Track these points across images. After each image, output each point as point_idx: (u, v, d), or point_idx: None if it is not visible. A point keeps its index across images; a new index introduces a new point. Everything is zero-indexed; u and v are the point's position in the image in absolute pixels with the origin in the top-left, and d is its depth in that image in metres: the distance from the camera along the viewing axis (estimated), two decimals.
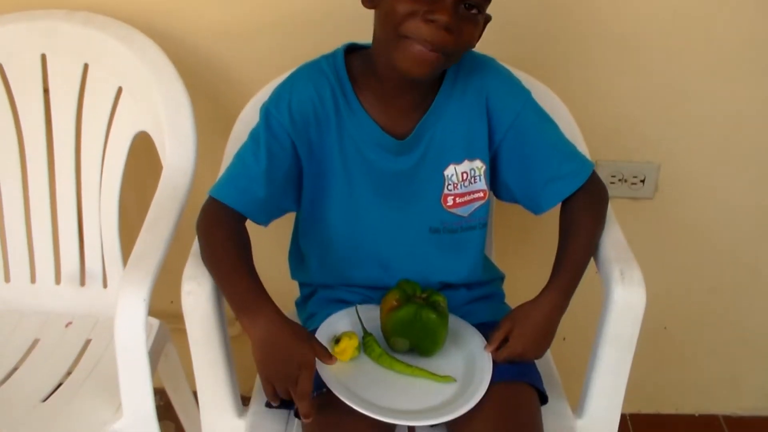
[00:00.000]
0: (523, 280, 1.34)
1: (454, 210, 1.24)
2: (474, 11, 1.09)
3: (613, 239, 1.24)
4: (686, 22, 1.51)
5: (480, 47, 1.19)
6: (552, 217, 1.26)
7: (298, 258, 1.33)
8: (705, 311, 1.82)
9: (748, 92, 1.58)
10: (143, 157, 1.45)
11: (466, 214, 1.25)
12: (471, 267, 1.28)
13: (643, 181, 1.65)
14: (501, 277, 1.38)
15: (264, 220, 1.21)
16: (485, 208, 1.26)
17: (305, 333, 1.09)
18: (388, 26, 1.09)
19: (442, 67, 1.14)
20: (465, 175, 1.23)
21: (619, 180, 1.65)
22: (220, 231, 1.15)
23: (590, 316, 1.24)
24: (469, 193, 1.24)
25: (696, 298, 1.81)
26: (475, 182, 1.23)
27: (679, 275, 1.76)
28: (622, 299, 1.17)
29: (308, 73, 1.21)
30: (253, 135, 1.20)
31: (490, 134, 1.22)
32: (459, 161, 1.22)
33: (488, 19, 1.15)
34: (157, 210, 1.31)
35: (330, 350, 1.13)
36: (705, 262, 1.76)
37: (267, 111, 1.19)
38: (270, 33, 1.52)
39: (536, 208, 1.26)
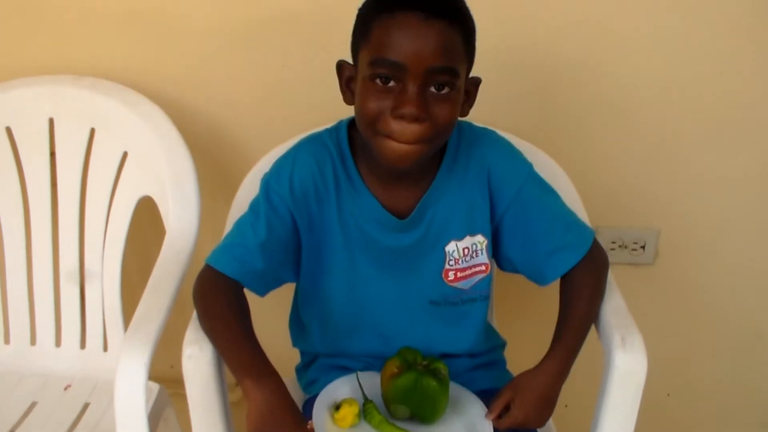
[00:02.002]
0: (525, 346, 1.33)
1: (455, 284, 1.23)
2: (445, 90, 1.06)
3: (614, 305, 1.24)
4: (683, 88, 1.53)
5: (479, 116, 1.21)
6: (553, 282, 1.26)
7: (298, 326, 1.32)
8: (708, 377, 1.81)
9: (745, 156, 1.59)
10: (147, 222, 1.46)
11: (467, 287, 1.24)
12: (472, 338, 1.27)
13: (643, 247, 1.66)
14: (502, 344, 1.37)
15: (261, 291, 1.20)
16: (487, 281, 1.25)
17: (300, 414, 1.09)
18: (363, 124, 1.10)
19: (430, 152, 1.12)
20: (466, 250, 1.22)
21: (620, 246, 1.65)
22: (219, 300, 1.15)
23: (592, 383, 1.23)
24: (470, 267, 1.23)
25: (699, 363, 1.80)
26: (476, 256, 1.23)
27: (681, 341, 1.76)
28: (624, 365, 1.16)
29: (310, 146, 1.21)
30: (253, 206, 1.20)
31: (492, 209, 1.22)
32: (460, 237, 1.21)
33: (478, 82, 1.15)
34: (160, 274, 1.31)
35: (330, 416, 1.13)
36: (707, 328, 1.76)
37: (267, 183, 1.19)
38: (274, 102, 1.54)
39: (541, 280, 1.25)
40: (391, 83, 1.06)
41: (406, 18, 1.04)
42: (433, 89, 1.06)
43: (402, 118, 1.05)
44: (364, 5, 1.11)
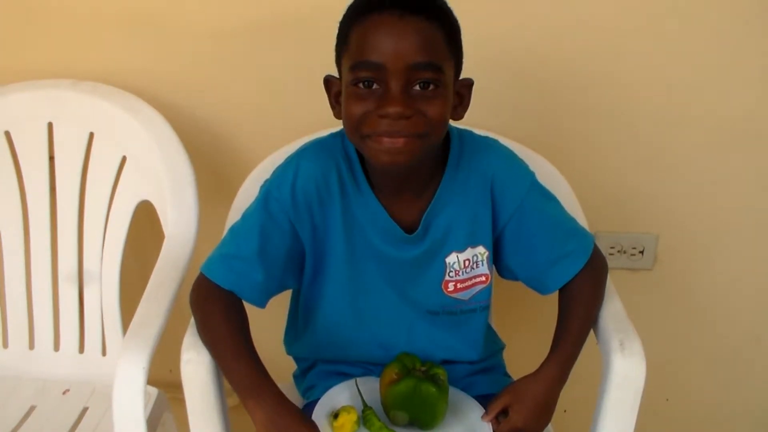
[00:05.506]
0: (524, 349, 1.34)
1: (454, 295, 1.22)
2: (431, 88, 1.03)
3: (613, 310, 1.24)
4: (681, 93, 1.54)
5: (478, 122, 1.21)
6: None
7: (295, 332, 1.31)
8: (707, 382, 1.81)
9: (744, 161, 1.60)
10: (145, 226, 1.46)
11: (466, 298, 1.23)
12: (471, 346, 1.26)
13: (642, 252, 1.66)
14: (501, 348, 1.37)
15: (261, 303, 1.18)
16: (487, 291, 1.24)
17: (307, 417, 1.09)
18: (350, 130, 1.08)
19: (426, 148, 1.08)
20: (467, 262, 1.20)
21: (618, 251, 1.65)
22: (217, 311, 1.14)
23: (591, 388, 1.23)
24: (470, 279, 1.22)
25: (697, 368, 1.80)
26: (477, 267, 1.21)
27: (680, 346, 1.76)
28: (622, 370, 1.16)
29: (314, 152, 1.18)
30: (248, 214, 1.18)
31: (494, 219, 1.20)
32: (462, 249, 1.20)
33: (470, 83, 1.13)
34: (158, 279, 1.31)
35: (329, 425, 1.13)
36: (706, 333, 1.76)
37: (268, 191, 1.17)
38: (274, 107, 1.54)
39: (542, 289, 1.24)
40: (374, 86, 1.04)
41: (381, 18, 1.02)
42: (417, 88, 1.03)
43: (387, 117, 1.02)
44: (343, 16, 1.10)
